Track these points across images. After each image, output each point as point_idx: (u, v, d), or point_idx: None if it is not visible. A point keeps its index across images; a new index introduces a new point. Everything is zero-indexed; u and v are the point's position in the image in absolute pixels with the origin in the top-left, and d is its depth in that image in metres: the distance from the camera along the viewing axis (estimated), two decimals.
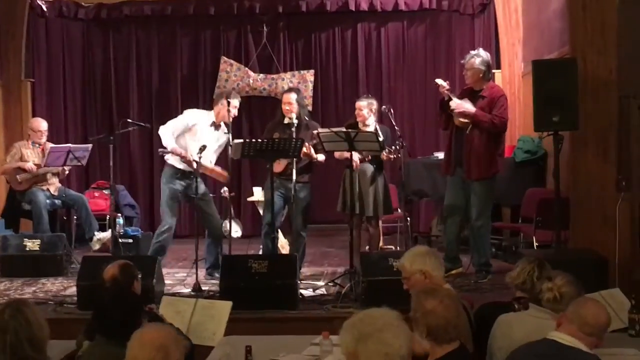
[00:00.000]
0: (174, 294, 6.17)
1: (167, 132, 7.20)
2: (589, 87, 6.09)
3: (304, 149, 6.77)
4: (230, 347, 4.10)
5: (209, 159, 7.13)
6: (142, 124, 7.70)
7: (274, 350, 3.92)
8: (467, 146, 7.00)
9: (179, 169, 7.18)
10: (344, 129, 6.79)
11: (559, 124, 5.91)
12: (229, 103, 7.08)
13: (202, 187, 7.22)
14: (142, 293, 4.66)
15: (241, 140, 6.65)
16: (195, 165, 6.82)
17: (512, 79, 9.48)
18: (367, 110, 7.24)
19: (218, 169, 7.27)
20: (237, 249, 7.78)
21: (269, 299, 5.94)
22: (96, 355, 3.41)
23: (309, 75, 10.57)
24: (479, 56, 7.16)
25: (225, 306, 4.85)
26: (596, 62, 6.22)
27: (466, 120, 6.87)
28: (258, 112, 10.38)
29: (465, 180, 7.05)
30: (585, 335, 3.10)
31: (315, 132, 6.97)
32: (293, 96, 7.18)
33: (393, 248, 8.75)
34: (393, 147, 7.01)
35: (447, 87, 7.06)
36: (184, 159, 7.02)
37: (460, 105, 6.90)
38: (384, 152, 6.97)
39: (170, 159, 7.23)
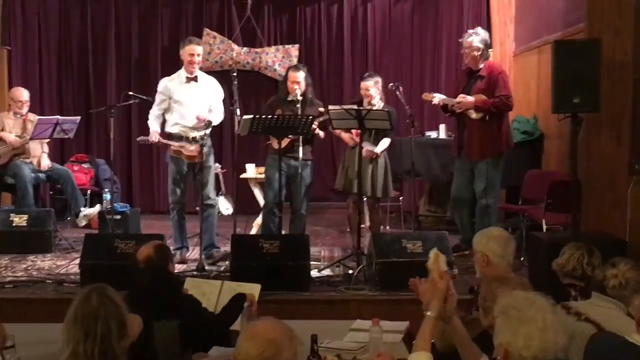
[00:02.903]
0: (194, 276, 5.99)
1: (151, 117, 7.11)
2: (604, 69, 6.01)
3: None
4: None
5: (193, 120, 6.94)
6: (143, 97, 7.40)
7: (308, 335, 3.74)
8: (468, 128, 7.06)
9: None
10: (356, 107, 6.64)
11: (580, 106, 5.84)
12: (184, 51, 7.00)
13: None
14: None
15: (250, 116, 6.43)
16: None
17: (504, 59, 9.41)
18: (374, 90, 7.10)
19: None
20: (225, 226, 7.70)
21: (280, 280, 5.81)
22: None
23: (294, 50, 10.35)
24: (477, 34, 7.14)
25: (253, 289, 4.70)
26: (612, 44, 6.16)
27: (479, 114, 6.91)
28: (241, 86, 10.10)
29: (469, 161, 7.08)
30: None
31: (322, 109, 6.85)
32: (301, 74, 7.04)
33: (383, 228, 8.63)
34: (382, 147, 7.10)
35: (435, 96, 7.17)
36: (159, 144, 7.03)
37: (460, 105, 6.97)
38: (364, 150, 6.89)
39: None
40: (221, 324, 4.08)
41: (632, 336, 3.03)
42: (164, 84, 7.13)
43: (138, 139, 7.35)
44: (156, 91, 7.20)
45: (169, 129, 7.05)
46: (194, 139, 6.86)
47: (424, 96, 7.34)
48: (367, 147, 6.93)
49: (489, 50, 7.24)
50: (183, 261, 6.86)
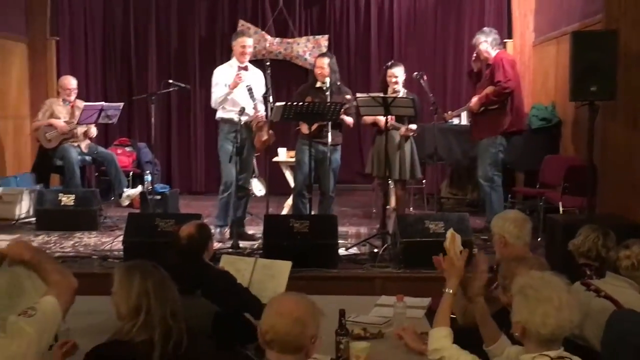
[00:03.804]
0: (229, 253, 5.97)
1: (214, 102, 7.02)
2: (621, 59, 5.92)
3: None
4: None
5: (250, 103, 6.85)
6: (182, 84, 7.44)
7: (335, 311, 3.73)
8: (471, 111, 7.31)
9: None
10: (382, 94, 6.62)
11: (597, 94, 5.76)
12: (237, 42, 6.96)
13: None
14: None
15: (282, 103, 6.43)
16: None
17: (523, 49, 9.33)
18: (402, 78, 7.07)
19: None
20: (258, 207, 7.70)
21: (310, 258, 5.80)
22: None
23: (323, 40, 10.32)
24: (481, 33, 7.31)
25: (285, 266, 4.72)
26: (629, 35, 6.06)
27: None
28: (274, 74, 10.10)
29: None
30: None
31: (349, 97, 6.82)
32: (326, 60, 6.98)
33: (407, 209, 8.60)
34: (415, 126, 7.11)
35: (449, 115, 7.61)
36: None
37: (468, 108, 7.34)
38: (403, 128, 6.91)
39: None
40: (253, 302, 4.07)
41: None
42: (220, 71, 7.06)
43: None
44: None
45: (222, 114, 6.96)
46: (245, 123, 6.76)
47: (446, 116, 7.62)
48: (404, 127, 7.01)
49: (497, 43, 7.18)
50: (234, 245, 6.62)
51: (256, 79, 7.06)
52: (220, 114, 6.95)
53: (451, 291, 2.96)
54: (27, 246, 2.82)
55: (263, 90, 7.01)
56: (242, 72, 6.89)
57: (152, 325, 2.77)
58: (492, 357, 2.89)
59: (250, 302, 4.00)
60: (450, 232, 3.29)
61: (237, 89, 6.85)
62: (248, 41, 7.02)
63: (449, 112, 7.59)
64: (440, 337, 2.72)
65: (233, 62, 7.03)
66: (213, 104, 7.03)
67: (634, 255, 3.61)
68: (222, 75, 6.97)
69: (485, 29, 7.56)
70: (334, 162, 6.94)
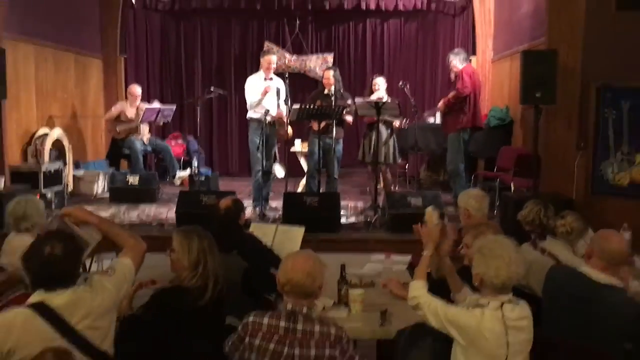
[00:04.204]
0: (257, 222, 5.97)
1: (250, 105, 6.87)
2: (560, 72, 5.86)
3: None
4: None
5: (273, 106, 6.76)
6: (221, 91, 7.40)
7: (337, 265, 3.72)
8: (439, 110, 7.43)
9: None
10: (375, 100, 6.59)
11: (541, 99, 5.72)
12: (264, 59, 6.91)
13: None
14: None
15: (297, 106, 6.41)
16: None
17: (484, 64, 9.24)
18: (383, 86, 7.07)
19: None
20: (279, 186, 7.64)
21: (318, 225, 5.77)
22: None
23: (330, 57, 10.28)
24: (452, 52, 7.30)
25: (300, 231, 4.70)
26: (566, 53, 6.00)
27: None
28: (291, 84, 10.01)
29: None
30: (614, 266, 2.89)
31: (349, 102, 6.80)
32: (331, 72, 6.95)
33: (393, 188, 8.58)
34: (405, 119, 7.05)
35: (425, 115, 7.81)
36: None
37: (437, 109, 7.50)
38: (396, 122, 6.91)
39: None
40: (275, 258, 4.07)
41: (581, 268, 3.00)
42: (251, 82, 6.93)
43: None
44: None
45: (251, 114, 6.84)
46: (269, 122, 6.68)
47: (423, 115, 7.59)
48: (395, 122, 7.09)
49: (463, 60, 7.13)
50: (261, 215, 6.61)
51: (279, 85, 7.00)
52: (250, 115, 6.88)
53: (428, 254, 2.97)
54: (90, 212, 2.83)
55: (284, 95, 6.94)
56: (269, 82, 6.81)
57: (207, 275, 2.81)
58: (458, 302, 2.91)
59: (273, 258, 4.01)
60: (429, 209, 3.29)
61: (255, 96, 6.78)
62: (273, 58, 6.95)
63: (425, 113, 7.58)
64: (418, 287, 2.73)
65: (260, 74, 6.95)
66: (249, 107, 6.87)
67: (568, 224, 3.61)
68: (253, 84, 6.90)
69: (455, 49, 7.52)
70: (337, 151, 6.91)
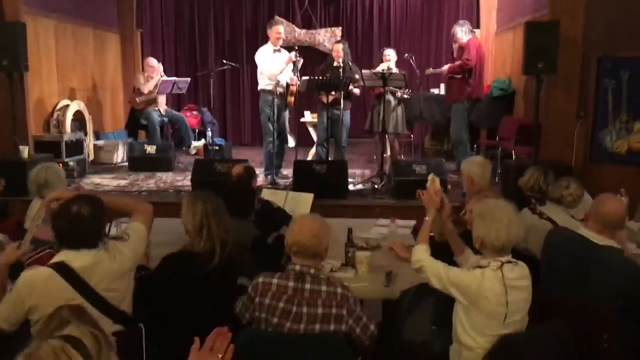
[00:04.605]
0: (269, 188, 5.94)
1: (263, 76, 6.70)
2: (562, 43, 5.73)
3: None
4: None
5: (283, 76, 6.64)
6: (233, 64, 7.33)
7: (345, 229, 3.70)
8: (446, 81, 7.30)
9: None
10: (381, 71, 6.50)
11: (543, 69, 5.60)
12: (271, 29, 6.75)
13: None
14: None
15: (307, 78, 6.33)
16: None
17: (488, 37, 9.05)
18: (394, 58, 6.94)
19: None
20: (290, 155, 7.60)
21: (327, 192, 5.76)
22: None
23: (338, 30, 10.17)
24: (457, 24, 7.15)
25: (309, 197, 4.71)
26: (568, 24, 5.85)
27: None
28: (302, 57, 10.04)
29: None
30: (611, 229, 2.87)
31: (357, 76, 6.71)
32: (341, 46, 6.86)
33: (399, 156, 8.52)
34: (408, 89, 6.95)
35: (430, 71, 7.37)
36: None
37: (441, 71, 7.22)
38: (398, 92, 6.83)
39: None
40: (287, 217, 4.04)
41: (580, 229, 2.98)
42: (261, 53, 6.74)
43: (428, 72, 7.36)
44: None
45: (263, 86, 6.69)
46: (280, 93, 6.59)
47: (427, 72, 7.40)
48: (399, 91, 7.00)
49: (468, 32, 6.99)
50: (272, 183, 6.52)
51: (284, 58, 6.82)
52: (261, 86, 6.75)
53: (430, 219, 2.94)
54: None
55: (291, 66, 6.81)
56: (278, 54, 6.67)
57: (213, 239, 2.78)
58: (460, 264, 2.90)
59: (285, 217, 3.99)
60: (431, 176, 3.25)
61: (274, 67, 6.61)
62: (281, 28, 6.77)
63: (430, 70, 7.42)
64: (421, 251, 2.70)
65: (269, 46, 6.77)
66: (268, 77, 6.62)
67: (574, 192, 3.53)
68: (266, 56, 6.72)
69: (460, 20, 7.38)
70: (345, 121, 6.85)
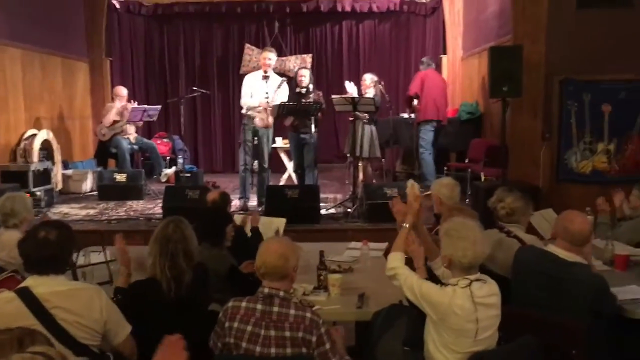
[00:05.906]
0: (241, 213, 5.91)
1: (244, 100, 6.64)
2: (525, 67, 5.90)
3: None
4: None
5: (253, 101, 6.54)
6: (203, 90, 7.33)
7: (318, 252, 3.69)
8: None
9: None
10: (351, 96, 6.58)
11: (508, 93, 5.74)
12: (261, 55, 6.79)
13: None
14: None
15: (277, 103, 6.37)
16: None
17: (454, 62, 9.30)
18: (369, 81, 7.05)
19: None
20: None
21: (299, 216, 5.75)
22: (205, 255, 3.20)
23: (308, 57, 10.24)
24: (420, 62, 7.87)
25: (281, 222, 4.66)
26: (530, 49, 6.05)
27: None
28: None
29: None
30: (578, 247, 2.91)
31: (320, 97, 6.79)
32: (306, 72, 6.95)
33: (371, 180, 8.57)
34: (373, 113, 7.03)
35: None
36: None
37: None
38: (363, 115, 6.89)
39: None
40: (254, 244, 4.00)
41: (549, 247, 3.01)
42: (248, 79, 6.70)
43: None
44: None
45: (244, 111, 6.61)
46: (260, 119, 6.50)
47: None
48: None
49: (425, 65, 7.76)
50: (244, 208, 6.47)
51: (276, 83, 6.69)
52: (243, 111, 6.66)
53: (407, 225, 2.93)
54: None
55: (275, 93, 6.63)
56: (265, 80, 6.56)
57: (162, 268, 2.70)
58: (434, 269, 2.90)
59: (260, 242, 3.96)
60: (410, 181, 3.21)
61: (247, 93, 6.56)
62: (269, 55, 6.67)
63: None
64: (397, 259, 2.70)
65: (259, 72, 6.67)
66: (242, 104, 6.64)
67: (507, 205, 3.46)
68: (246, 82, 6.70)
69: (423, 59, 8.03)
70: (312, 144, 6.79)
